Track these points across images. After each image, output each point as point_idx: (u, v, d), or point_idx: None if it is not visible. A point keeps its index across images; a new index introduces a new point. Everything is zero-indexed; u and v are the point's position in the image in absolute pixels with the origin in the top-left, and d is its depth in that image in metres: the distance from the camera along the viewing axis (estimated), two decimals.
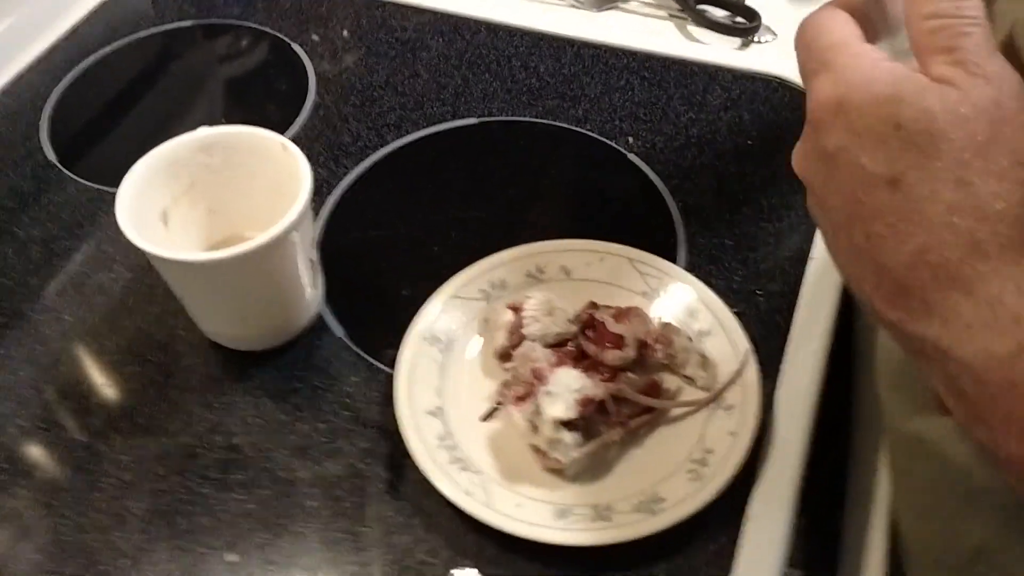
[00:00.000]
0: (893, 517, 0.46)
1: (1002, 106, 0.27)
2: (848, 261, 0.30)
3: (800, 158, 0.32)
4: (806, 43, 0.32)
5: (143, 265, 0.55)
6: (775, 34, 0.69)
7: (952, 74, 0.28)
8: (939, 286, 0.27)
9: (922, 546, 0.43)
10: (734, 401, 0.46)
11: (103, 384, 0.50)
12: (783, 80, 0.65)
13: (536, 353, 0.46)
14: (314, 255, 0.49)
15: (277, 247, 0.45)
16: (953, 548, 0.40)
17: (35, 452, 0.47)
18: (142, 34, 0.73)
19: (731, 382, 0.46)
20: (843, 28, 0.31)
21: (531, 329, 0.47)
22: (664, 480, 0.44)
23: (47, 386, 0.50)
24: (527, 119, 0.63)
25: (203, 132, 0.49)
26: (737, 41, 0.68)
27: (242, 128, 0.49)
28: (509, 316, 0.48)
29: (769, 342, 0.49)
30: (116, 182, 0.60)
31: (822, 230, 0.32)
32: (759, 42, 0.68)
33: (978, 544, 0.39)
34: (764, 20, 0.68)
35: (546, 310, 0.48)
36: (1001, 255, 0.26)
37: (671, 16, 0.71)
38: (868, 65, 0.30)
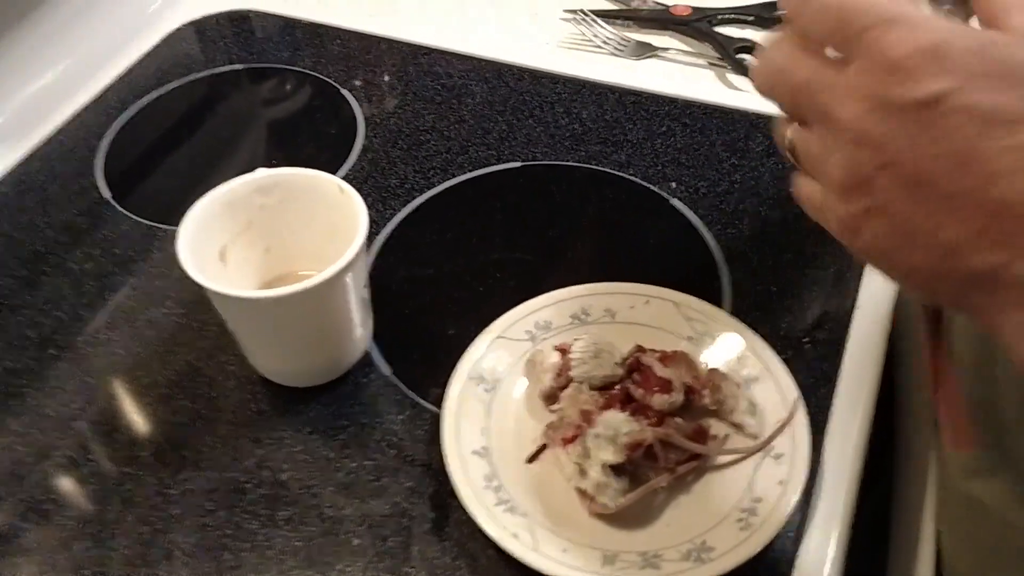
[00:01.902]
0: (946, 572, 0.45)
1: None
2: (931, 214, 0.29)
3: (869, 114, 0.29)
4: (848, 7, 0.30)
5: (194, 300, 0.56)
6: None
7: None
8: None
9: None
10: (783, 449, 0.45)
11: (153, 417, 0.51)
12: None
13: (583, 395, 0.46)
14: (366, 294, 0.50)
15: (333, 286, 0.45)
16: None
17: (84, 484, 0.48)
18: (193, 77, 0.75)
19: (780, 430, 0.46)
20: None
21: (578, 371, 0.48)
22: (713, 528, 0.43)
23: (97, 418, 0.51)
24: (570, 163, 0.64)
25: (261, 173, 0.50)
26: None
27: (299, 170, 0.50)
28: (556, 358, 0.49)
29: (817, 390, 0.49)
30: (168, 219, 0.62)
31: (875, 195, 0.30)
32: None
33: None
34: None
35: (593, 352, 0.48)
36: None
37: (710, 64, 0.72)
38: (946, 20, 0.29)
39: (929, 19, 0.29)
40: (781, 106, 0.33)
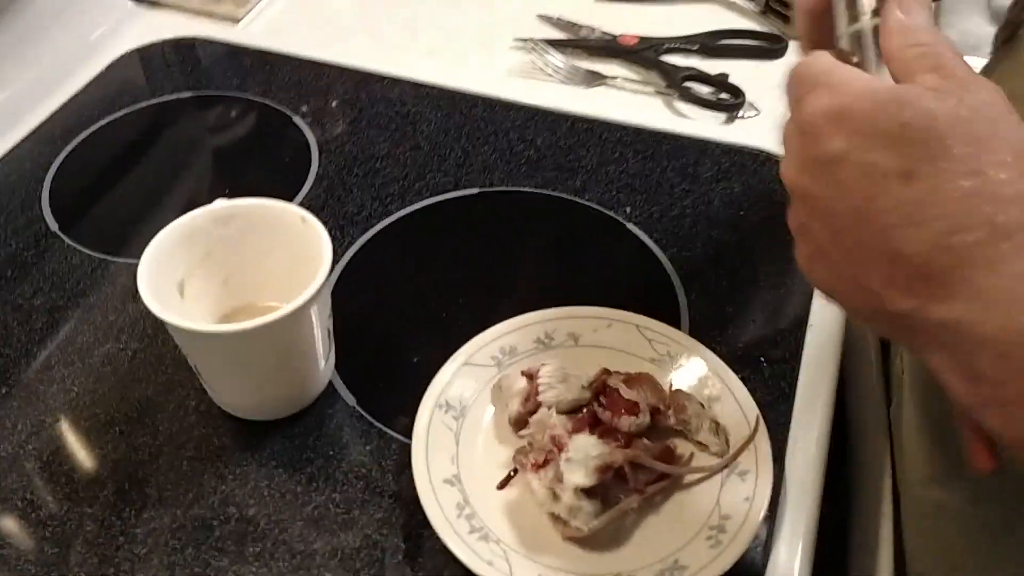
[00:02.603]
0: (909, 573, 0.47)
1: (994, 106, 0.29)
2: (854, 262, 0.31)
3: (794, 170, 0.33)
4: (798, 75, 0.34)
5: (150, 334, 0.55)
6: (758, 110, 0.72)
7: (944, 84, 0.30)
8: (962, 266, 0.28)
9: None
10: (748, 466, 0.47)
11: (112, 455, 0.50)
12: (769, 154, 0.68)
13: (552, 420, 0.47)
14: (330, 325, 0.50)
15: (298, 318, 0.45)
16: None
17: (43, 526, 0.47)
18: (140, 105, 0.74)
19: (744, 447, 0.47)
20: (831, 60, 0.33)
21: (546, 396, 0.48)
22: (683, 547, 0.44)
23: (54, 457, 0.50)
24: (527, 189, 0.65)
25: (220, 204, 0.50)
26: (722, 116, 0.71)
27: (259, 200, 0.50)
28: (523, 383, 0.49)
29: (776, 407, 0.51)
30: (118, 251, 0.61)
31: (815, 241, 0.33)
32: (743, 117, 0.71)
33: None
34: (747, 97, 0.71)
35: (560, 377, 0.49)
36: (1021, 235, 0.28)
37: (658, 93, 0.74)
38: (865, 79, 0.32)
39: (850, 81, 0.32)
40: None
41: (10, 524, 0.47)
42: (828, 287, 0.33)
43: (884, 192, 0.29)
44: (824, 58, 0.33)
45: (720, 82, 0.72)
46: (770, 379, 0.52)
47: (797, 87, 0.33)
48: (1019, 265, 0.27)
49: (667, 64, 0.74)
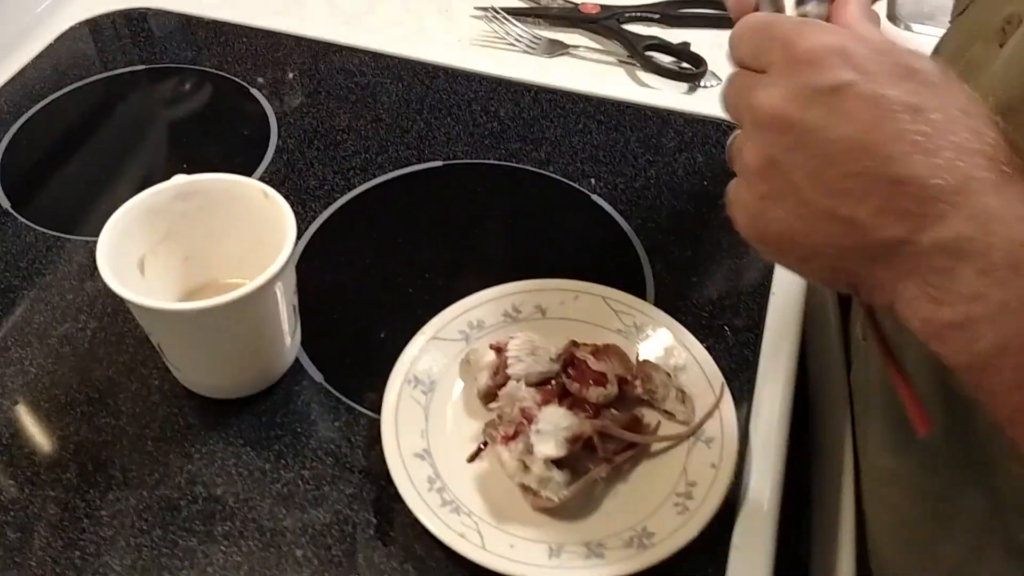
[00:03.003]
0: (871, 544, 0.48)
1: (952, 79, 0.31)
2: (838, 192, 0.31)
3: (781, 100, 0.32)
4: (781, 19, 0.35)
5: (110, 313, 0.54)
6: (720, 79, 0.72)
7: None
8: (967, 191, 0.29)
9: (899, 571, 0.46)
10: (713, 434, 0.47)
11: (74, 437, 0.49)
12: (731, 123, 0.68)
13: (521, 392, 0.47)
14: (295, 301, 0.49)
15: (263, 295, 0.45)
16: (930, 570, 0.43)
17: (5, 510, 0.46)
18: (91, 79, 0.72)
19: (709, 415, 0.48)
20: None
21: (515, 369, 0.48)
22: (652, 515, 0.45)
23: (13, 441, 0.49)
24: (491, 162, 0.65)
25: (180, 179, 0.49)
26: (684, 86, 0.71)
27: (221, 176, 0.49)
28: (492, 356, 0.49)
29: (739, 374, 0.51)
30: (73, 228, 0.60)
31: (784, 176, 0.32)
32: (705, 87, 0.71)
33: (953, 565, 0.41)
34: (709, 66, 0.71)
35: (529, 349, 0.49)
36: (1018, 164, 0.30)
37: (620, 62, 0.73)
38: (858, 26, 0.34)
39: (834, 26, 0.33)
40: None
41: None
42: (784, 231, 0.33)
43: (891, 122, 0.30)
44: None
45: (682, 51, 0.72)
46: (734, 347, 0.53)
47: (769, 31, 0.33)
48: (1019, 187, 0.29)
49: (629, 33, 0.73)
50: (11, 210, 0.61)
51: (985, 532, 0.40)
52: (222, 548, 0.45)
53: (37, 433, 0.49)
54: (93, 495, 0.46)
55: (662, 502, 0.45)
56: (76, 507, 0.46)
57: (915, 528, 0.44)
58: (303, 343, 0.53)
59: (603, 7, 0.76)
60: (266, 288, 0.44)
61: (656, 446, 0.48)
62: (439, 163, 0.64)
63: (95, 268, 0.45)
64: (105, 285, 0.44)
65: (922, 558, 0.43)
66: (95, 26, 0.77)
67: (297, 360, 0.52)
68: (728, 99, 0.35)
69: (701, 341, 0.51)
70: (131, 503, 0.46)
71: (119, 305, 0.54)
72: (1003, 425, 0.29)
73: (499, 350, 0.49)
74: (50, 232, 0.60)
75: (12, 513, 0.46)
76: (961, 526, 0.41)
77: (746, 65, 0.34)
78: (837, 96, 0.31)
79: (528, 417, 0.45)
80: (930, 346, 0.30)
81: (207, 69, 0.73)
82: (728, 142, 0.36)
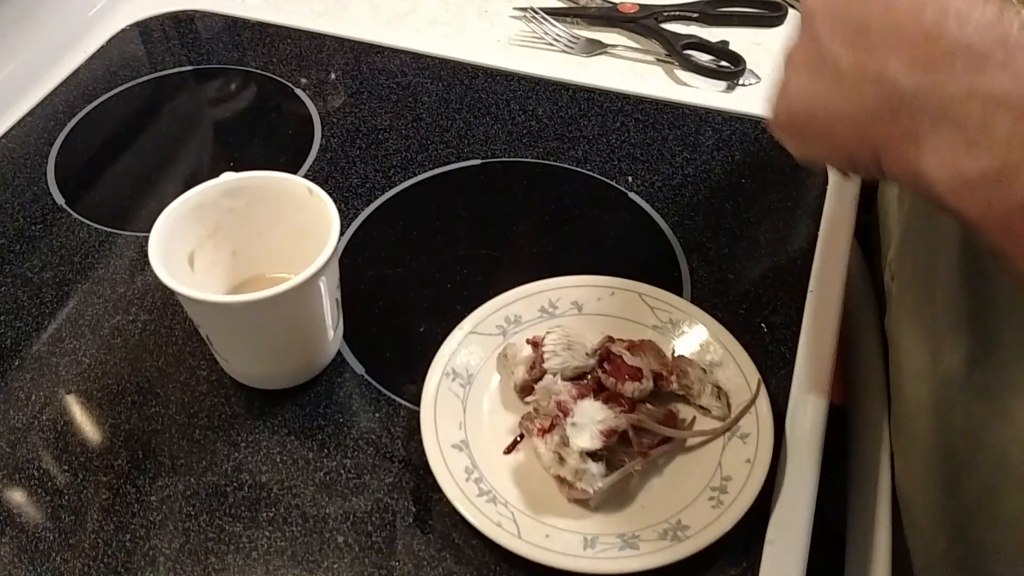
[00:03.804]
0: (898, 486, 0.48)
1: None
2: (875, 45, 0.32)
3: None
4: None
5: (160, 306, 0.56)
6: (759, 77, 0.72)
7: None
8: (1005, 43, 0.30)
9: (923, 510, 0.46)
10: (749, 429, 0.48)
11: (126, 425, 0.51)
12: None
13: (557, 386, 0.48)
14: (338, 295, 0.51)
15: (308, 289, 0.46)
16: (952, 506, 0.43)
17: (59, 495, 0.48)
18: (141, 79, 0.75)
19: (745, 411, 0.48)
20: None
21: (551, 363, 0.49)
22: (686, 508, 0.45)
23: (67, 428, 0.51)
24: (529, 160, 0.65)
25: (228, 177, 0.50)
26: (723, 84, 0.72)
27: (267, 173, 0.51)
28: (529, 351, 0.50)
29: (776, 371, 0.52)
30: (125, 224, 0.62)
31: (838, 36, 0.34)
32: (744, 85, 0.72)
33: (974, 502, 0.42)
34: (748, 64, 0.71)
35: (565, 344, 0.50)
36: None
37: (658, 61, 0.74)
38: None
39: None
40: None
41: (26, 493, 0.48)
42: (812, 96, 0.35)
43: None
44: None
45: (720, 50, 0.72)
46: (771, 344, 0.53)
47: None
48: None
49: (667, 32, 0.74)
50: (65, 206, 0.63)
51: (1003, 468, 0.40)
52: (266, 533, 0.46)
53: (90, 421, 0.51)
54: (143, 481, 0.48)
55: (697, 496, 0.46)
56: (127, 492, 0.48)
57: (937, 464, 0.44)
58: (345, 336, 0.54)
59: (642, 6, 0.76)
60: (310, 282, 0.46)
61: (691, 441, 0.48)
62: (478, 161, 0.65)
63: (146, 262, 0.46)
64: (156, 279, 0.46)
65: (944, 492, 0.44)
66: (144, 28, 0.79)
67: (340, 353, 0.53)
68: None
69: (737, 338, 0.52)
70: (179, 489, 0.48)
71: (169, 298, 0.56)
72: (1011, 255, 0.30)
73: (536, 345, 0.50)
74: (102, 227, 0.62)
75: (66, 497, 0.48)
76: (985, 462, 0.41)
77: None
78: None
79: (564, 410, 0.46)
80: (957, 203, 0.31)
81: (252, 70, 0.75)
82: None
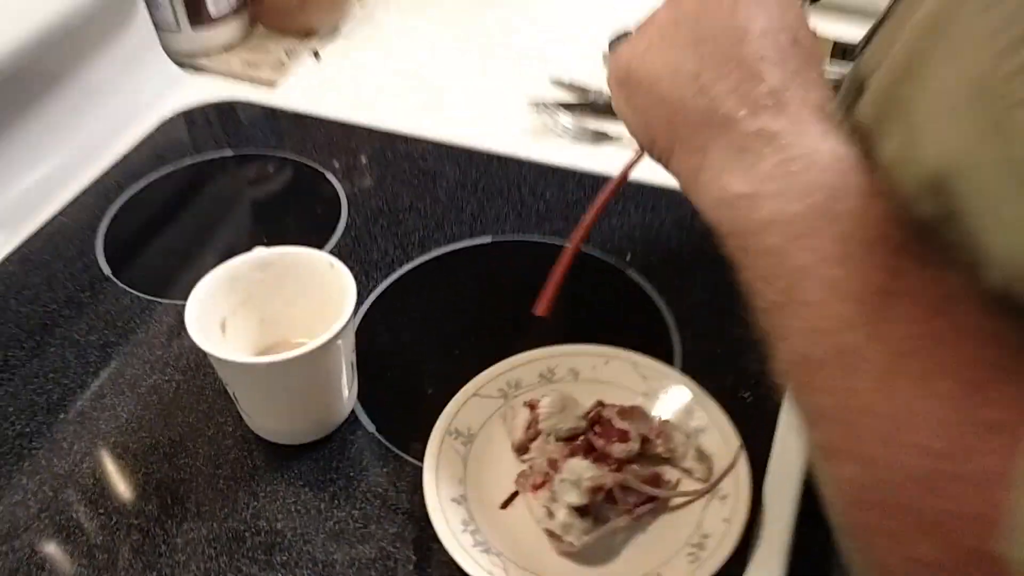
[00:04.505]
0: None
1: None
2: (714, 64, 0.38)
3: None
4: None
5: (193, 367, 0.61)
6: None
7: None
8: (798, 100, 0.37)
9: None
10: (728, 491, 0.51)
11: (157, 474, 0.55)
12: None
13: (550, 446, 0.52)
14: (353, 359, 0.56)
15: (325, 352, 0.51)
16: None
17: (95, 535, 0.52)
18: (185, 162, 0.82)
19: (725, 475, 0.52)
20: None
21: (545, 424, 0.53)
22: (666, 562, 0.49)
23: (105, 475, 0.55)
24: (536, 239, 0.71)
25: (259, 252, 0.56)
26: None
27: (294, 248, 0.56)
28: (526, 413, 0.54)
29: (757, 438, 0.55)
30: (165, 293, 0.68)
31: (693, 36, 0.39)
32: None
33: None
34: None
35: (559, 407, 0.54)
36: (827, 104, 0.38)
37: None
38: None
39: None
40: None
41: (66, 533, 0.52)
42: (654, 71, 0.40)
43: (773, 35, 0.38)
44: None
45: None
46: (752, 412, 0.57)
47: None
48: (830, 121, 0.37)
49: None
50: (111, 276, 0.70)
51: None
52: (280, 575, 0.50)
53: (125, 470, 0.56)
54: (170, 525, 0.53)
55: (676, 551, 0.49)
56: (155, 534, 0.52)
57: None
58: (359, 397, 0.59)
59: None
60: (327, 347, 0.51)
61: (674, 501, 0.52)
62: (488, 239, 0.71)
63: (182, 327, 0.52)
64: (190, 342, 0.51)
65: None
66: (190, 116, 0.87)
67: (353, 412, 0.58)
68: None
69: (723, 406, 0.56)
70: (202, 533, 0.52)
71: (201, 360, 0.61)
72: (753, 286, 0.37)
73: (532, 407, 0.54)
74: (144, 296, 0.68)
75: (101, 537, 0.52)
76: None
77: None
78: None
79: (554, 468, 0.50)
80: (716, 212, 0.38)
81: (288, 156, 0.82)
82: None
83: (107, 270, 0.70)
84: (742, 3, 0.39)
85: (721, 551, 0.48)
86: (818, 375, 0.33)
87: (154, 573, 0.50)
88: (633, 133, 0.45)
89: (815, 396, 0.34)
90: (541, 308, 0.50)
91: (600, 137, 0.81)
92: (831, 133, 0.36)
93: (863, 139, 0.38)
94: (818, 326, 0.33)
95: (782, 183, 0.35)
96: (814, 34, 0.40)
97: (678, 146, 0.40)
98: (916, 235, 0.33)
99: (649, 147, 0.43)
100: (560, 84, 0.87)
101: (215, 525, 0.53)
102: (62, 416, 0.59)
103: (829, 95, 0.38)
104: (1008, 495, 0.26)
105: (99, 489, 0.55)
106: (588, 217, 0.51)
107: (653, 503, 0.51)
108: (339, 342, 0.52)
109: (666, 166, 0.43)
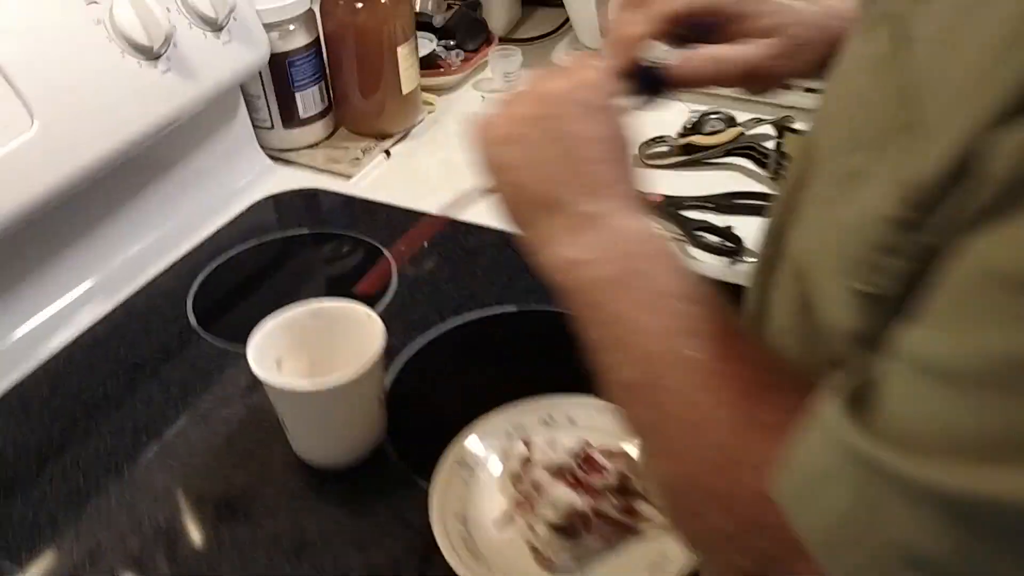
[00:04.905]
0: None
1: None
2: (559, 164, 0.48)
3: (566, 90, 0.49)
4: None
5: (254, 405, 0.73)
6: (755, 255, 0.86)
7: None
8: (625, 196, 0.47)
9: None
10: None
11: (219, 487, 0.66)
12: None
13: (538, 474, 0.61)
14: (382, 396, 0.66)
15: (359, 383, 0.62)
16: None
17: (176, 538, 0.63)
18: (268, 238, 0.96)
19: None
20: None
21: (537, 457, 0.62)
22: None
23: (181, 490, 0.67)
24: (557, 309, 0.81)
25: (312, 303, 0.68)
26: (727, 260, 0.86)
27: (340, 301, 0.68)
28: (522, 447, 0.63)
29: None
30: (241, 342, 0.80)
31: (552, 139, 0.48)
32: (744, 261, 0.86)
33: None
34: (747, 244, 0.86)
35: (551, 444, 0.63)
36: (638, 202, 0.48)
37: (674, 239, 0.89)
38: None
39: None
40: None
41: (154, 535, 0.64)
42: (519, 160, 0.49)
43: (609, 146, 0.49)
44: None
45: (725, 232, 0.87)
46: None
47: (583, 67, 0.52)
48: (639, 210, 0.47)
49: (684, 217, 0.90)
50: (197, 327, 0.83)
51: None
52: (306, 572, 0.60)
53: (195, 486, 0.67)
54: (223, 527, 0.63)
55: (639, 568, 0.57)
56: (210, 535, 0.63)
57: None
58: (389, 431, 0.69)
59: (667, 197, 0.93)
60: (358, 380, 0.62)
61: (644, 528, 0.60)
62: (513, 308, 0.81)
63: (251, 371, 0.63)
64: (253, 380, 0.63)
65: None
66: (278, 199, 1.02)
67: (382, 444, 0.68)
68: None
69: None
70: (248, 535, 0.63)
71: (261, 397, 0.73)
72: (584, 331, 0.45)
73: (527, 443, 0.63)
74: (221, 346, 0.80)
75: (178, 540, 0.63)
76: None
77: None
78: (596, 111, 0.49)
79: (539, 490, 0.59)
80: (555, 275, 0.47)
81: (354, 235, 0.95)
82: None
83: (194, 323, 0.84)
84: (583, 114, 0.49)
85: (680, 567, 0.56)
86: (638, 396, 0.43)
87: (205, 563, 0.61)
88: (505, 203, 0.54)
89: (636, 413, 0.43)
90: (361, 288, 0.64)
91: None
92: (639, 215, 0.47)
93: (775, 239, 0.47)
94: (632, 358, 0.43)
95: (601, 251, 0.46)
96: (627, 140, 0.50)
97: (527, 222, 0.50)
98: (706, 289, 0.44)
99: (510, 222, 0.53)
100: None
101: (261, 531, 0.63)
102: (144, 439, 0.71)
103: (639, 189, 0.49)
104: (777, 472, 0.35)
105: (174, 502, 0.66)
106: (410, 237, 0.66)
107: (625, 530, 0.59)
108: (368, 377, 0.63)
109: (518, 233, 0.53)
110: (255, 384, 0.62)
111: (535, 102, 0.50)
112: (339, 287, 0.88)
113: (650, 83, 0.56)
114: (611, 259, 0.45)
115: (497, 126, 0.51)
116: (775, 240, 0.47)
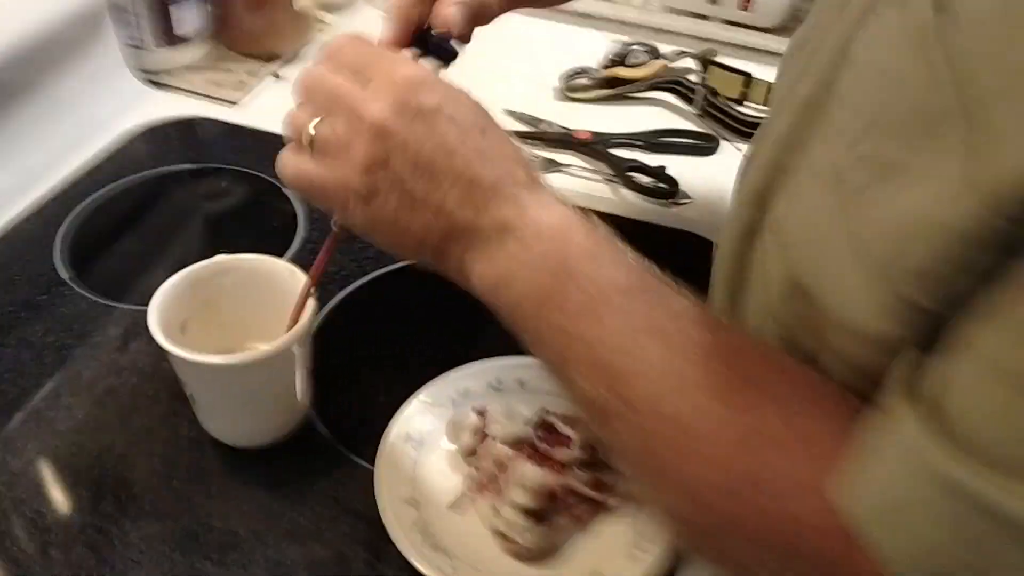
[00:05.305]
0: None
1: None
2: (433, 188, 0.42)
3: (392, 113, 0.42)
4: (370, 44, 0.47)
5: (149, 371, 0.63)
6: (690, 198, 0.82)
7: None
8: (514, 186, 0.42)
9: None
10: None
11: (113, 473, 0.57)
12: (701, 237, 0.78)
13: (497, 449, 0.55)
14: (309, 366, 0.58)
15: (284, 356, 0.53)
16: None
17: (50, 531, 0.53)
18: (145, 174, 0.83)
19: None
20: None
21: (492, 429, 0.56)
22: (606, 560, 0.52)
23: (61, 474, 0.56)
24: None
25: (221, 258, 0.58)
26: (660, 202, 0.81)
27: (255, 256, 0.59)
28: (475, 418, 0.57)
29: None
30: (123, 298, 0.69)
31: (393, 173, 0.42)
32: (678, 203, 0.81)
33: None
34: (681, 186, 0.82)
35: (506, 414, 0.57)
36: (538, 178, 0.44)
37: (605, 180, 0.84)
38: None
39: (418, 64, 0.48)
40: (311, 107, 0.45)
41: (20, 529, 0.53)
42: (389, 212, 0.43)
43: (470, 138, 0.42)
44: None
45: (658, 173, 0.82)
46: None
47: (369, 56, 0.45)
48: (543, 192, 0.43)
49: (614, 156, 0.84)
50: (69, 280, 0.71)
51: None
52: (234, 573, 0.52)
53: (80, 469, 0.57)
54: (125, 522, 0.54)
55: (617, 550, 0.52)
56: (110, 531, 0.53)
57: None
58: (314, 403, 0.61)
59: (594, 134, 0.87)
60: (286, 351, 0.53)
61: (614, 503, 0.55)
62: None
63: (138, 332, 0.54)
64: (146, 346, 0.53)
65: None
66: (153, 130, 0.89)
67: (308, 417, 0.60)
68: (315, 86, 0.45)
69: None
70: (156, 530, 0.53)
71: (157, 364, 0.63)
72: (533, 351, 0.42)
73: (480, 413, 0.57)
74: (101, 300, 0.69)
75: (54, 534, 0.53)
76: None
77: (336, 70, 0.45)
78: (434, 115, 0.42)
79: (503, 470, 0.53)
80: (486, 297, 0.42)
81: (245, 170, 0.84)
82: (295, 125, 0.46)
83: (65, 275, 0.71)
84: (438, 119, 0.42)
85: (657, 549, 0.51)
86: (610, 418, 0.38)
87: (108, 568, 0.51)
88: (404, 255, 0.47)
89: (617, 438, 0.39)
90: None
91: (550, 165, 0.85)
92: (551, 200, 0.42)
93: (758, 204, 0.42)
94: (591, 376, 0.38)
95: (521, 262, 0.41)
96: (488, 114, 0.44)
97: (440, 258, 0.44)
98: (652, 270, 0.41)
99: (420, 260, 0.46)
100: (513, 114, 0.91)
101: (170, 523, 0.54)
102: (18, 415, 0.60)
103: (530, 159, 0.44)
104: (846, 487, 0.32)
105: (56, 487, 0.56)
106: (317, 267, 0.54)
107: (595, 505, 0.54)
108: (296, 348, 0.54)
109: (438, 272, 0.46)
110: (148, 349, 0.52)
111: (367, 141, 0.42)
112: (227, 230, 0.78)
113: (435, 47, 0.50)
114: (536, 267, 0.40)
115: (343, 199, 0.44)
116: (757, 205, 0.43)
